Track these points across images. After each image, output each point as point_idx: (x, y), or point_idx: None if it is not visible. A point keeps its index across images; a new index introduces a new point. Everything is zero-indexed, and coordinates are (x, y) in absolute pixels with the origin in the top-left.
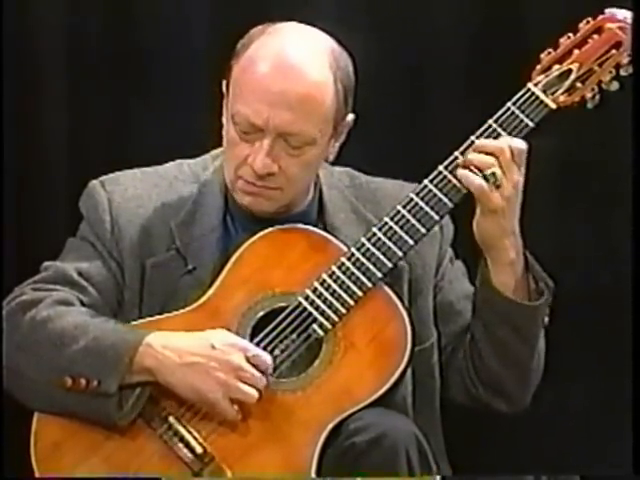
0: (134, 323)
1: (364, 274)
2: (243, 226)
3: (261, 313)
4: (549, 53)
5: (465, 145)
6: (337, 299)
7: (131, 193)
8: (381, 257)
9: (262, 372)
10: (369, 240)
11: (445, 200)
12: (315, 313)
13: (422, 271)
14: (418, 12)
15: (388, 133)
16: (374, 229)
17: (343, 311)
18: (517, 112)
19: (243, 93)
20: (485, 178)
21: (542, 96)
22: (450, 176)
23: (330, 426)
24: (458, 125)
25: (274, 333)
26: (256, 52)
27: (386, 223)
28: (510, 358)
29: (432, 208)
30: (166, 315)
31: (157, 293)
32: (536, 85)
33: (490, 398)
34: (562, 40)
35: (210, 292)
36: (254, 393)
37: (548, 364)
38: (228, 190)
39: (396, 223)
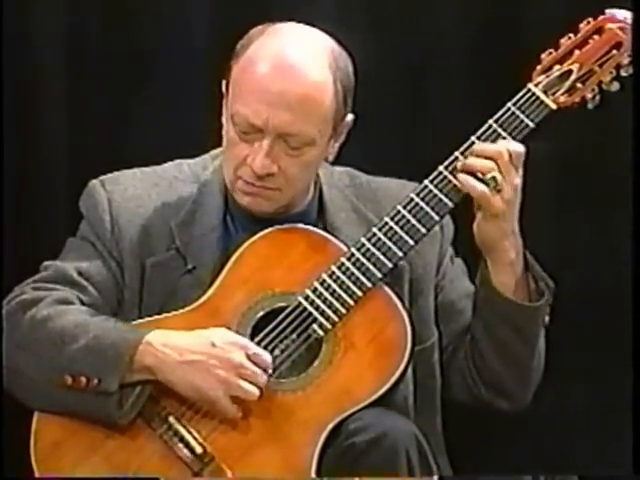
0: (134, 323)
1: (364, 274)
2: (243, 226)
3: (261, 313)
4: (550, 53)
5: (465, 145)
6: (337, 299)
7: (131, 193)
8: (381, 257)
9: (263, 370)
10: (369, 240)
11: (445, 200)
12: (315, 313)
13: (423, 271)
14: (418, 12)
15: (388, 133)
16: (374, 229)
17: (343, 311)
18: (517, 112)
19: (243, 93)
20: (485, 182)
21: (542, 96)
22: (450, 176)
23: (330, 426)
24: (458, 125)
25: (274, 333)
26: (256, 52)
27: (386, 223)
28: (511, 358)
29: (432, 208)
30: (166, 315)
31: (157, 293)
32: (536, 85)
33: (492, 397)
34: (563, 40)
35: (210, 292)
36: (255, 391)
37: (548, 364)
38: (228, 190)
39: (396, 223)
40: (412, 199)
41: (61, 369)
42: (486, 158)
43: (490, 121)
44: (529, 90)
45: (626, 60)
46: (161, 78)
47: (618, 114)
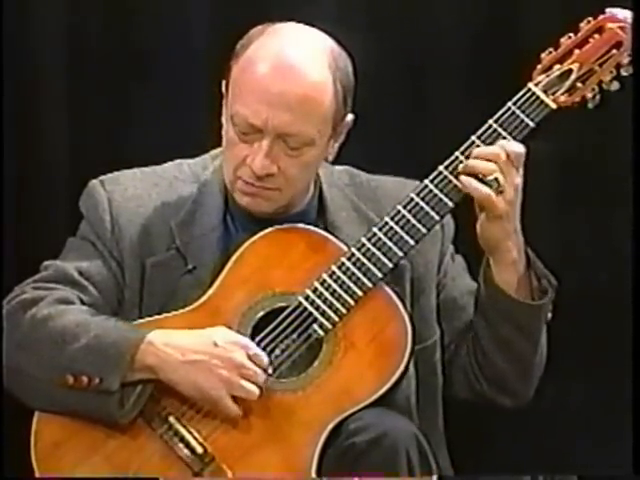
0: (134, 323)
1: (364, 274)
2: (243, 226)
3: (261, 313)
4: (550, 53)
5: (466, 145)
6: (337, 299)
7: (131, 193)
8: (381, 257)
9: (262, 370)
10: (369, 240)
11: (446, 200)
12: (315, 313)
13: (424, 269)
14: (418, 12)
15: (388, 133)
16: (374, 229)
17: (343, 311)
18: (517, 112)
19: (242, 94)
20: (487, 184)
21: (543, 96)
22: (451, 176)
23: (330, 426)
24: (458, 125)
25: (274, 333)
26: (255, 53)
27: (386, 223)
28: (514, 355)
29: (433, 208)
30: (166, 315)
31: (157, 292)
32: (537, 85)
33: (494, 394)
34: (563, 40)
35: (210, 292)
36: (256, 390)
37: (548, 364)
38: (228, 190)
39: (396, 223)
40: (412, 199)
41: (62, 368)
42: (487, 159)
43: (490, 121)
44: (529, 90)
45: (626, 60)
46: (161, 78)
47: (618, 114)
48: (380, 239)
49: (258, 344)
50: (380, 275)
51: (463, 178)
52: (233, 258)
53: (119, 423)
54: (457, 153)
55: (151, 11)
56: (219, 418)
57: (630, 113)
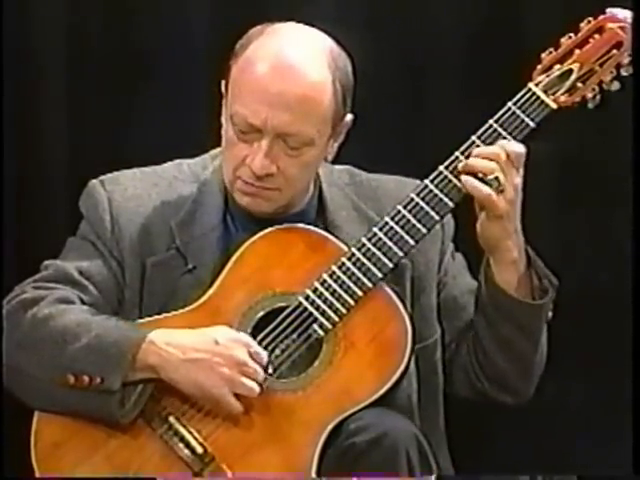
0: (134, 323)
1: (365, 274)
2: (243, 225)
3: (261, 313)
4: (550, 53)
5: (466, 145)
6: (337, 299)
7: (131, 192)
8: (382, 257)
9: (262, 368)
10: (370, 240)
11: (446, 200)
12: (315, 313)
13: (425, 268)
14: (417, 12)
15: (387, 133)
16: (375, 229)
17: (343, 311)
18: (518, 112)
19: (242, 94)
20: (488, 183)
21: (543, 96)
22: (451, 176)
23: (330, 426)
24: (458, 125)
25: (274, 333)
26: (254, 53)
27: (387, 223)
28: (515, 354)
29: (433, 208)
30: (166, 315)
31: (157, 292)
32: (537, 85)
33: (496, 393)
34: (563, 40)
35: (210, 292)
36: (257, 388)
37: (548, 365)
38: (228, 190)
39: (397, 223)
40: (412, 199)
41: (63, 368)
42: (487, 159)
43: (490, 121)
44: (529, 90)
45: (626, 60)
46: (161, 78)
47: (618, 114)
48: (380, 239)
49: (258, 344)
50: (380, 275)
51: (463, 177)
52: (233, 258)
53: (120, 423)
54: (457, 153)
55: (151, 11)
56: (219, 418)
57: (630, 113)
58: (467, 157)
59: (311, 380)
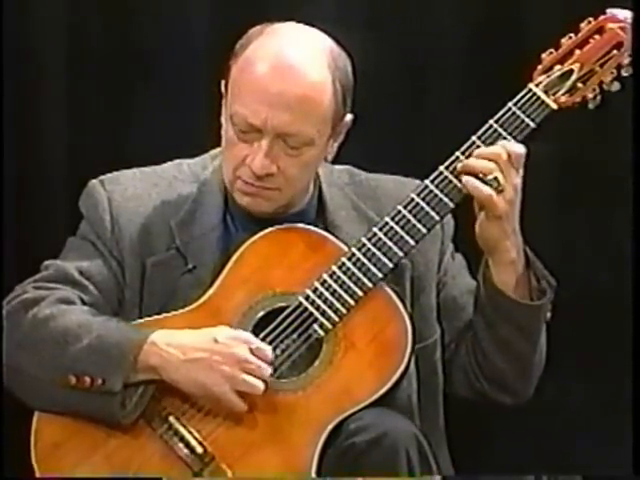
0: (134, 323)
1: (365, 274)
2: (243, 225)
3: (261, 313)
4: (550, 53)
5: (466, 145)
6: (338, 299)
7: (131, 192)
8: (382, 257)
9: (267, 364)
10: (370, 240)
11: (446, 200)
12: (316, 313)
13: (424, 268)
14: (418, 12)
15: (387, 133)
16: (375, 229)
17: (344, 311)
18: (518, 112)
19: (241, 94)
20: (487, 183)
21: (543, 96)
22: (451, 176)
23: (330, 426)
24: (458, 125)
25: (275, 333)
26: (254, 53)
27: (387, 223)
28: (514, 355)
29: (433, 208)
30: (166, 315)
31: (157, 292)
32: (537, 85)
33: (495, 393)
34: (563, 40)
35: (210, 292)
36: (260, 384)
37: (548, 365)
38: (228, 190)
39: (397, 223)
40: (413, 199)
41: (64, 369)
42: (487, 159)
43: (491, 121)
44: (530, 90)
45: (627, 60)
46: (161, 78)
47: (618, 114)
48: (380, 239)
49: None
50: (380, 275)
51: (464, 177)
52: (233, 258)
53: (121, 424)
54: (458, 153)
55: (151, 11)
56: (219, 417)
57: (630, 113)
58: (467, 157)
59: (311, 380)
